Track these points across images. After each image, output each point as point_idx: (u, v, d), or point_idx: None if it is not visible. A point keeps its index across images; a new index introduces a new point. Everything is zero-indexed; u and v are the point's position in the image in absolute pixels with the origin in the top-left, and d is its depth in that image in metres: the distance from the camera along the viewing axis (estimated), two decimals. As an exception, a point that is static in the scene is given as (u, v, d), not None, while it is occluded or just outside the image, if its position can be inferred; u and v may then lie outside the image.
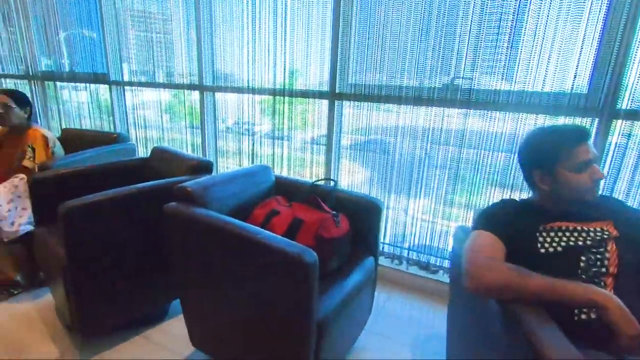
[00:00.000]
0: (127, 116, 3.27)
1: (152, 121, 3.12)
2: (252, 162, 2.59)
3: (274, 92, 2.38)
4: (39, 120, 3.84)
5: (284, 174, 2.47)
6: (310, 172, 2.38)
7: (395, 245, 2.23)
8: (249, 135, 2.60)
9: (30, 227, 1.87)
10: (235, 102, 2.62)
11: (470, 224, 1.18)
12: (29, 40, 3.71)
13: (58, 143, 2.20)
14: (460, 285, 0.97)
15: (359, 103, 2.11)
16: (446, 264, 2.11)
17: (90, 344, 1.60)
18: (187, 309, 1.45)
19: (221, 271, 1.24)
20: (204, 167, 1.81)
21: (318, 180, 1.69)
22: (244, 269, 1.16)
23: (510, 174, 1.80)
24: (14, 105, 2.00)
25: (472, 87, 1.80)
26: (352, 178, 2.28)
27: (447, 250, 2.10)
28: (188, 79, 2.78)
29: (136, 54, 3.07)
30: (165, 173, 1.88)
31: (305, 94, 2.27)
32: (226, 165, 2.81)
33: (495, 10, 1.70)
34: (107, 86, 3.29)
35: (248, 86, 2.48)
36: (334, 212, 1.41)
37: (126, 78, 3.19)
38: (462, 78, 1.83)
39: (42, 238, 1.71)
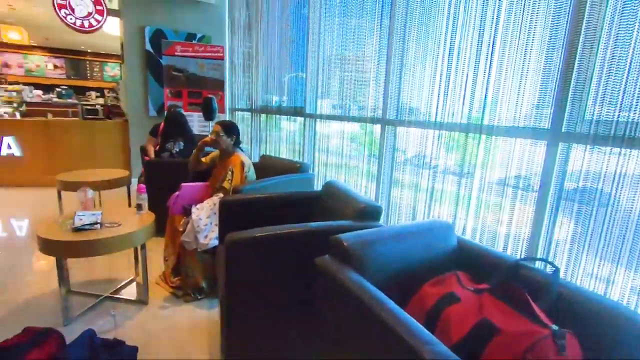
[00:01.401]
0: (314, 145, 3.49)
1: (335, 149, 3.19)
2: (431, 198, 2.18)
3: (466, 129, 1.94)
4: (253, 146, 4.64)
5: (469, 223, 1.96)
6: (506, 230, 1.78)
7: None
8: (429, 169, 2.22)
9: (216, 243, 2.08)
10: (418, 135, 2.32)
11: None
12: (255, 82, 4.57)
13: (252, 168, 2.44)
14: None
15: (603, 147, 1.42)
16: None
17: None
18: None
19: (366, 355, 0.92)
20: (372, 213, 1.56)
21: (526, 260, 1.15)
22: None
23: None
24: (222, 134, 2.34)
25: None
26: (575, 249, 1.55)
27: None
28: (372, 112, 2.67)
29: (329, 90, 3.24)
30: (334, 211, 1.75)
31: (512, 132, 1.73)
32: (400, 197, 2.50)
33: None
34: (302, 118, 3.62)
35: (435, 121, 2.13)
36: (555, 328, 0.86)
37: (318, 111, 3.40)
38: None
39: (221, 256, 1.85)
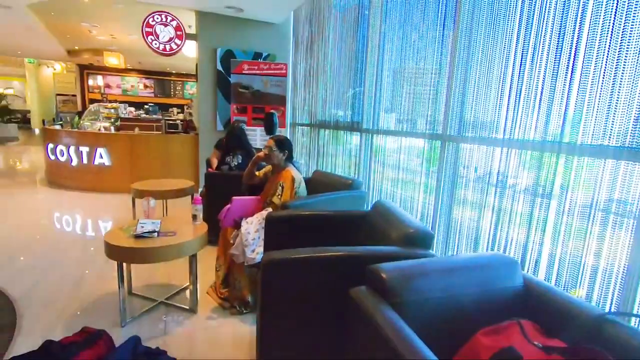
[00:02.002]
0: (370, 159, 3.37)
1: (393, 163, 3.03)
2: (498, 218, 1.92)
3: (541, 147, 1.68)
4: (312, 160, 4.67)
5: (545, 250, 1.67)
6: (594, 262, 1.47)
7: None
8: (496, 186, 1.97)
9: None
10: (484, 152, 2.08)
11: None
12: (315, 97, 4.62)
13: (303, 184, 2.42)
14: None
15: None
16: None
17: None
18: None
19: None
20: (422, 240, 1.40)
21: (616, 314, 0.91)
22: None
23: None
24: (275, 149, 2.36)
25: None
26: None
27: None
28: (432, 127, 2.49)
29: (387, 104, 3.12)
30: (381, 234, 1.63)
31: (601, 152, 1.45)
32: (461, 215, 2.26)
33: None
34: (359, 133, 3.54)
35: (504, 138, 1.89)
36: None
37: (375, 126, 3.29)
38: None
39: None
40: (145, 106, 10.27)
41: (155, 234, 2.02)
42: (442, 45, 2.36)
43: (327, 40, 4.28)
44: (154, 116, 9.71)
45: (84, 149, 5.09)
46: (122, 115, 9.16)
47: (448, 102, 2.31)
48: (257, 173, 2.61)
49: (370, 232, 1.74)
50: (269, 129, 4.74)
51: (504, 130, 1.90)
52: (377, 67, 3.19)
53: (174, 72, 12.12)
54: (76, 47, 9.04)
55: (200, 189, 3.67)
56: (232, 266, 2.28)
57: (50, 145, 5.38)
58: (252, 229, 2.14)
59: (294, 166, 2.49)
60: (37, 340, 1.84)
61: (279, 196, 2.27)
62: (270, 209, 2.26)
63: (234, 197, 2.17)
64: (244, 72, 5.06)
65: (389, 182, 3.05)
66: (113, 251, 1.90)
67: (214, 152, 4.06)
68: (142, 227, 2.08)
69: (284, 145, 2.39)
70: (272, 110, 5.03)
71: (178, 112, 11.92)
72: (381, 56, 3.14)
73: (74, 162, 5.17)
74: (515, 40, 1.83)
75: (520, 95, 1.81)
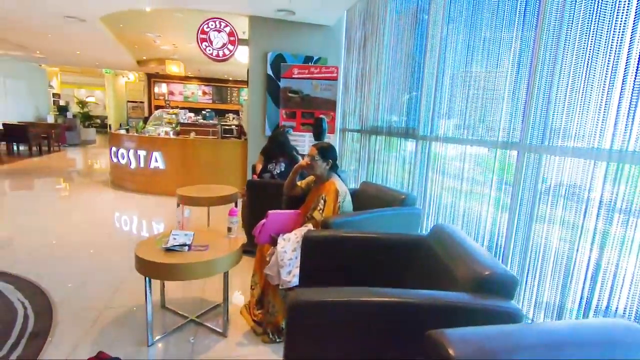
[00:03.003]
0: (427, 168, 2.99)
1: (454, 173, 2.62)
2: (601, 246, 1.47)
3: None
4: (361, 168, 4.37)
5: None
6: None
7: None
8: (599, 208, 1.51)
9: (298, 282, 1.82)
10: (577, 164, 1.64)
11: None
12: (367, 101, 4.32)
13: (348, 197, 2.13)
14: None
15: None
16: None
17: None
18: None
19: None
20: (501, 287, 1.05)
21: None
22: None
23: None
24: (317, 157, 2.10)
25: None
26: None
27: None
28: (505, 135, 2.07)
29: (448, 110, 2.72)
30: (443, 270, 1.29)
31: None
32: (544, 243, 1.81)
33: None
34: (415, 140, 3.18)
35: (613, 148, 1.45)
36: None
37: (434, 133, 2.91)
38: None
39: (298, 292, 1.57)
40: (203, 112, 10.72)
41: (186, 247, 1.87)
42: (521, 46, 1.96)
43: (382, 41, 3.97)
44: (211, 121, 10.08)
45: (142, 153, 5.30)
46: (182, 121, 9.65)
47: (528, 108, 1.89)
48: (298, 183, 2.38)
49: (427, 265, 1.41)
50: (318, 135, 4.53)
51: (612, 140, 1.45)
52: (437, 70, 2.82)
53: (230, 79, 12.55)
54: (144, 57, 9.70)
55: (240, 198, 3.55)
56: (267, 286, 2.06)
57: (114, 149, 5.70)
58: (289, 248, 1.90)
59: (339, 177, 2.22)
60: (64, 352, 1.77)
61: (321, 211, 2.01)
62: (310, 225, 2.01)
63: (270, 212, 1.95)
64: (293, 76, 4.92)
65: (449, 193, 2.64)
66: (141, 265, 1.77)
67: (260, 159, 3.93)
68: (175, 239, 1.95)
69: (328, 153, 2.13)
70: (321, 115, 4.82)
71: (233, 118, 12.33)
72: (442, 58, 2.76)
73: (133, 165, 5.41)
74: (622, 34, 1.40)
75: (632, 97, 1.37)
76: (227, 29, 4.94)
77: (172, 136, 6.35)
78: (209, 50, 4.95)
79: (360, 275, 1.60)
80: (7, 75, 9.51)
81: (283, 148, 2.95)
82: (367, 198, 2.36)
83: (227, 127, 10.39)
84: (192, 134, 6.63)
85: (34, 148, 8.82)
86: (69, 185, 6.08)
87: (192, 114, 10.56)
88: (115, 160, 5.72)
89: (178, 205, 3.35)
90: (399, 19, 3.62)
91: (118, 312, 2.15)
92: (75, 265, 2.80)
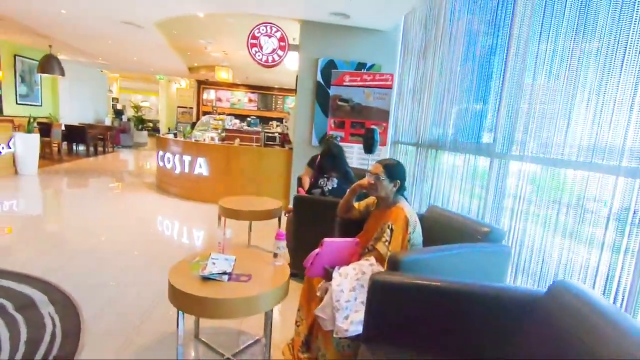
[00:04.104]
0: (504, 193, 2.52)
1: (543, 201, 2.13)
2: None
3: None
4: (416, 188, 3.94)
5: None
6: None
7: None
8: None
9: (360, 330, 1.46)
10: None
11: None
12: (425, 111, 3.90)
13: (418, 227, 1.75)
14: None
15: None
16: None
17: None
18: None
19: None
20: None
21: None
22: None
23: None
24: (383, 177, 1.74)
25: None
26: None
27: None
28: (628, 157, 1.60)
29: (536, 124, 2.26)
30: (580, 349, 0.88)
31: None
32: None
33: None
34: (489, 158, 2.72)
35: None
36: None
37: (514, 150, 2.45)
38: None
39: (363, 355, 1.22)
40: (248, 119, 10.76)
41: (226, 277, 1.59)
42: None
43: (447, 46, 3.56)
44: (255, 128, 10.08)
45: (187, 158, 5.24)
46: (227, 127, 9.73)
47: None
48: (356, 205, 2.04)
49: (547, 341, 1.00)
50: (369, 147, 4.18)
51: None
52: (524, 76, 2.37)
53: (276, 86, 12.59)
54: (195, 64, 9.93)
55: (286, 214, 3.27)
56: (316, 328, 1.72)
57: (161, 153, 5.72)
58: (346, 286, 1.56)
59: (407, 200, 1.85)
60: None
61: (386, 243, 1.65)
62: (372, 259, 1.66)
63: (325, 240, 1.62)
64: (344, 83, 4.63)
65: (538, 225, 2.15)
66: (174, 296, 1.52)
67: (307, 171, 3.64)
68: (214, 263, 1.68)
69: (396, 172, 1.78)
70: (373, 126, 4.47)
71: (277, 125, 12.30)
72: (529, 63, 2.32)
73: (177, 170, 5.37)
74: None
75: None
76: (278, 34, 4.77)
77: (217, 142, 6.30)
78: (259, 55, 4.81)
79: (446, 337, 1.21)
80: (72, 80, 10.15)
81: (336, 161, 2.62)
82: (437, 228, 1.96)
83: (270, 135, 10.38)
84: (237, 141, 6.56)
85: (91, 148, 9.26)
86: (118, 186, 6.20)
87: (237, 121, 10.65)
88: (161, 164, 5.73)
89: (219, 220, 3.13)
90: (472, 22, 3.20)
91: (146, 341, 1.91)
92: (113, 274, 2.64)
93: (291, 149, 5.10)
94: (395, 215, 1.70)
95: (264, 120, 11.74)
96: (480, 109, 3.00)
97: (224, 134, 7.36)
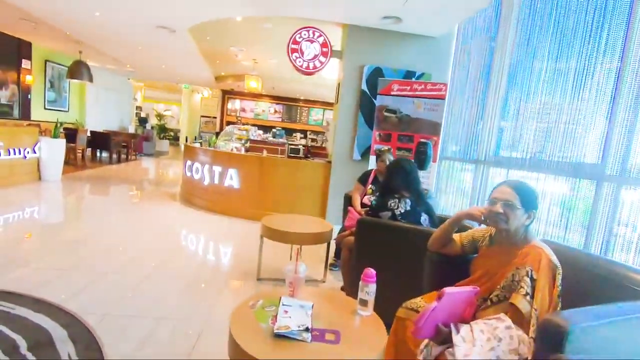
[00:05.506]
0: (610, 224, 2.05)
1: None
2: None
3: None
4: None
5: None
6: None
7: None
8: None
9: None
10: None
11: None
12: (487, 124, 3.46)
13: (560, 275, 1.29)
14: None
15: None
16: None
17: None
18: None
19: None
20: None
21: None
22: None
23: None
24: (518, 206, 1.30)
25: None
26: None
27: None
28: None
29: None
30: None
31: None
32: None
33: None
34: (588, 181, 2.27)
35: None
36: None
37: (634, 172, 1.98)
38: None
39: None
40: (273, 130, 10.49)
41: (308, 335, 1.17)
42: None
43: (514, 52, 3.16)
44: (280, 140, 9.79)
45: (217, 169, 4.91)
46: (252, 138, 9.47)
47: None
48: (456, 237, 1.59)
49: None
50: (421, 163, 3.75)
51: None
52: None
53: (302, 98, 12.34)
54: (222, 73, 9.77)
55: (337, 232, 2.86)
56: (419, 407, 1.27)
57: (189, 162, 5.41)
58: (477, 354, 1.11)
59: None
60: None
61: (528, 296, 1.20)
62: (505, 318, 1.21)
63: (446, 290, 1.18)
64: (392, 93, 4.24)
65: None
66: (238, 355, 1.10)
67: (357, 187, 3.23)
68: (287, 312, 1.26)
69: (533, 200, 1.34)
70: (425, 140, 4.05)
71: (301, 137, 11.99)
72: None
73: (206, 181, 5.03)
74: None
75: None
76: (321, 39, 4.45)
77: (243, 152, 5.98)
78: (299, 62, 4.48)
79: None
80: (100, 87, 10.12)
81: (409, 179, 2.20)
82: (570, 275, 1.49)
83: (294, 147, 10.06)
84: (264, 152, 6.23)
85: (114, 155, 9.11)
86: (141, 196, 5.91)
87: (261, 131, 10.39)
88: (189, 174, 5.40)
89: (261, 240, 2.72)
90: (541, 25, 2.79)
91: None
92: (143, 304, 2.25)
93: (329, 162, 4.71)
94: (535, 259, 1.25)
95: (287, 132, 11.47)
96: (567, 121, 2.55)
97: (247, 145, 7.07)
